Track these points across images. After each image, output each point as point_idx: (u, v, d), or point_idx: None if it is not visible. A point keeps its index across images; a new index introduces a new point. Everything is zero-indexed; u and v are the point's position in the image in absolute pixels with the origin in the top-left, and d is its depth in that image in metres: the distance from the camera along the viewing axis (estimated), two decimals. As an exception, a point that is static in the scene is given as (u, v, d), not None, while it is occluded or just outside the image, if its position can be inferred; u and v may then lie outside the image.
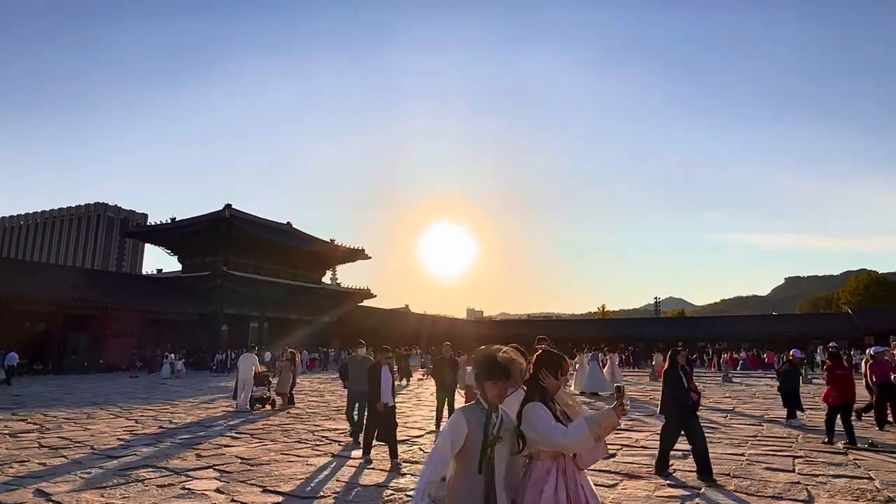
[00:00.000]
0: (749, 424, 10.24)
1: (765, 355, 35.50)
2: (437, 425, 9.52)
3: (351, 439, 8.56)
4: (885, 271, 78.95)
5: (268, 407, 13.32)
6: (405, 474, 6.48)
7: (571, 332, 56.86)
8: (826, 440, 8.32)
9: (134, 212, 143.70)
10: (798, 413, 10.82)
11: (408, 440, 8.73)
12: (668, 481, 6.09)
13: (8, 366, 21.54)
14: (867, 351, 10.41)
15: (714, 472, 6.17)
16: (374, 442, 7.29)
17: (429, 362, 26.10)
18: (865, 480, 6.10)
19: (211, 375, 25.52)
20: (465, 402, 9.13)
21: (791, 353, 11.61)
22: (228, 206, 37.38)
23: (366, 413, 7.74)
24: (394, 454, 6.98)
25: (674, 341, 46.47)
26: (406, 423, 10.69)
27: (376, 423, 7.20)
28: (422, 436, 9.19)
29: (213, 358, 30.56)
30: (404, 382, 22.80)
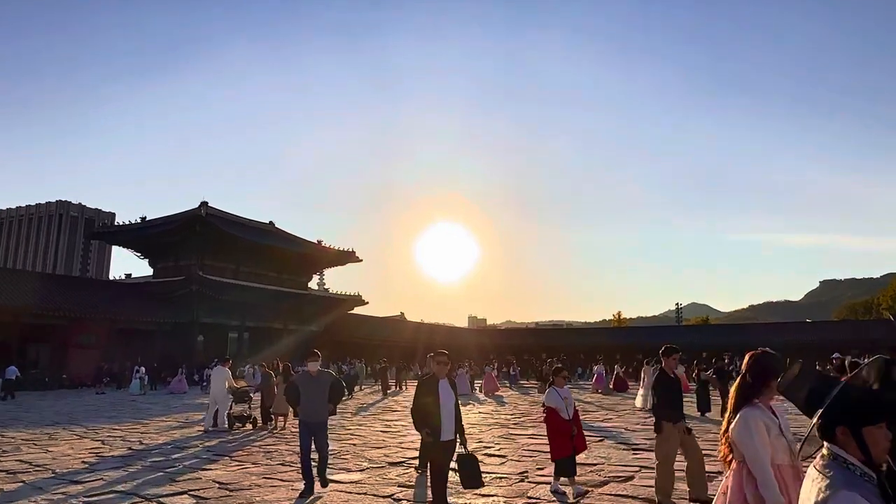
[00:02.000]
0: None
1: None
2: None
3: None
4: (930, 273, 78.81)
5: (249, 427, 13.27)
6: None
7: (584, 342, 56.84)
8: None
9: (100, 211, 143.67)
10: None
11: (404, 462, 8.70)
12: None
13: (5, 380, 22.03)
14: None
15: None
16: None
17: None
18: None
19: (201, 392, 25.37)
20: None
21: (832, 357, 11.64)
22: (204, 203, 37.34)
23: (327, 450, 6.99)
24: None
25: (697, 351, 46.53)
26: (402, 443, 10.66)
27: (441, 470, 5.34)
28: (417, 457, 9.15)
29: (199, 372, 30.11)
30: (380, 396, 23.01)
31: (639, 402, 16.96)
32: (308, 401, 6.90)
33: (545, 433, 7.11)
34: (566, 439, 6.61)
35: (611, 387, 24.25)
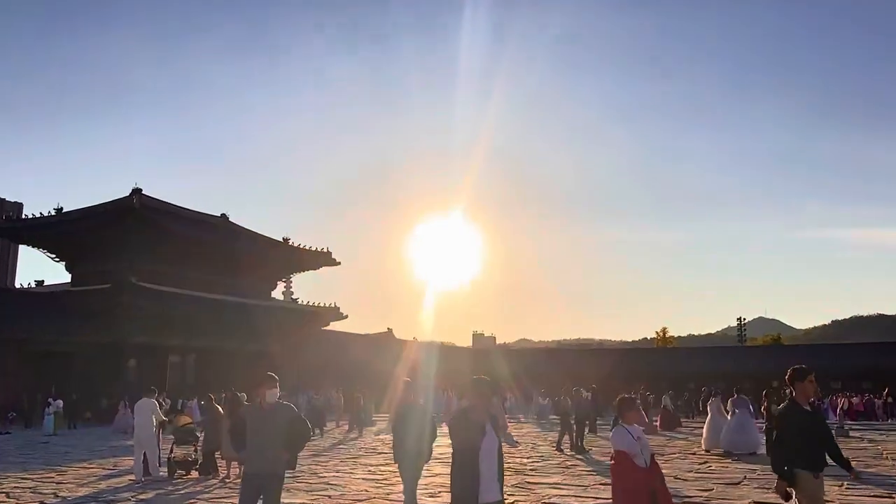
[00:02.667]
0: (876, 497, 10.15)
1: (889, 398, 35.53)
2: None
3: None
4: None
5: (194, 474, 13.22)
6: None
7: (620, 367, 56.83)
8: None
9: (3, 200, 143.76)
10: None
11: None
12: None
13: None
14: None
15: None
16: None
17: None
18: None
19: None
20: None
21: None
22: (138, 191, 37.26)
23: None
24: None
25: (765, 379, 46.61)
26: (391, 494, 10.60)
27: None
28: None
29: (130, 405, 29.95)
30: (354, 435, 23.44)
31: (706, 442, 16.92)
32: (256, 445, 6.08)
33: (573, 482, 7.03)
34: (643, 497, 5.72)
35: (655, 424, 24.23)
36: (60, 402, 26.73)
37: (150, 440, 12.94)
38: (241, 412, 6.74)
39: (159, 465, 13.13)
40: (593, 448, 17.89)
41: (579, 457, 15.85)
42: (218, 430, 13.59)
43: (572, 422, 18.26)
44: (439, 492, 10.50)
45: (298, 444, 6.37)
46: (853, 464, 13.39)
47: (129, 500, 10.57)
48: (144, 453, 12.82)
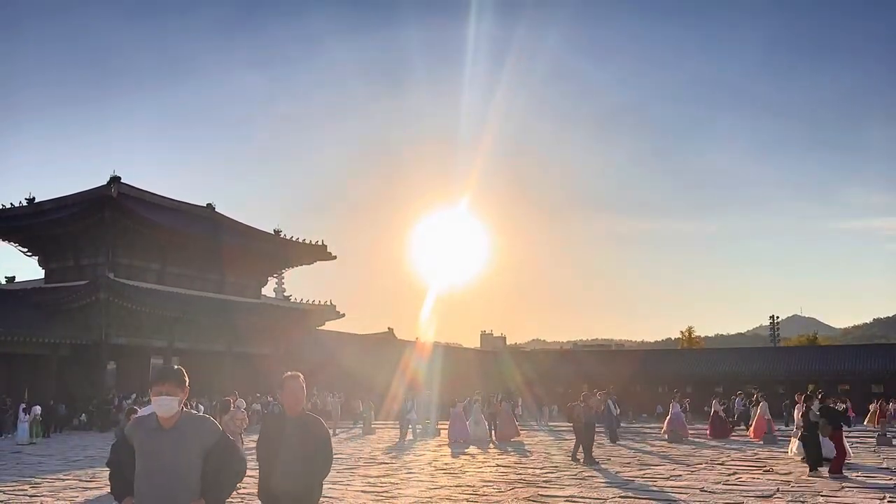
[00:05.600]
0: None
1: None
2: None
3: None
4: None
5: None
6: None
7: (640, 369, 56.80)
8: None
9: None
10: None
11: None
12: None
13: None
14: None
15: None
16: None
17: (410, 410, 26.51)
18: None
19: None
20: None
21: None
22: (116, 179, 37.34)
23: None
24: None
25: (800, 381, 46.28)
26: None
27: None
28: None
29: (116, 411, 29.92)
30: (358, 442, 22.90)
31: (794, 448, 16.57)
32: (147, 489, 3.98)
33: (589, 495, 7.00)
34: None
35: (707, 433, 24.38)
36: (39, 409, 26.77)
37: None
38: (128, 430, 4.30)
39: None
40: (611, 458, 17.85)
41: (596, 467, 15.81)
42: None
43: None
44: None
45: (224, 485, 4.19)
46: (891, 478, 13.27)
47: (108, 514, 10.58)
48: None
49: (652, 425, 32.79)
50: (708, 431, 24.74)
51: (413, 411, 26.78)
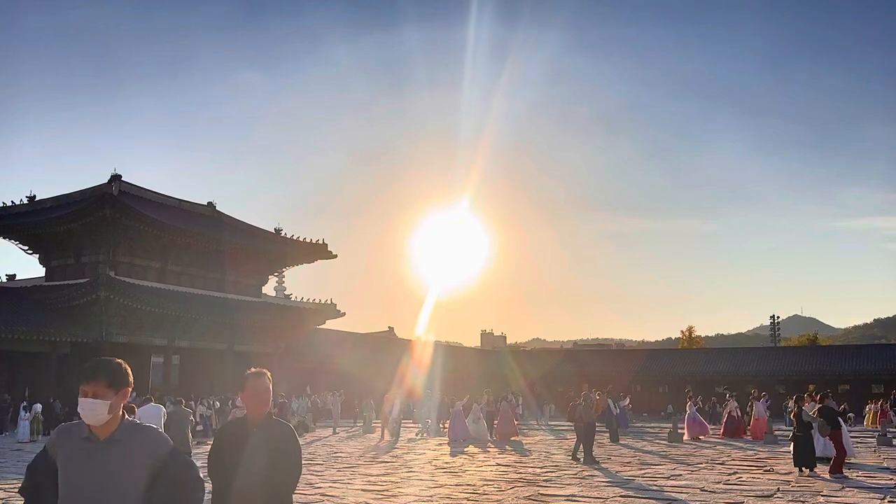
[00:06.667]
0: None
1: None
2: None
3: None
4: None
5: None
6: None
7: (641, 368, 56.83)
8: None
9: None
10: None
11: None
12: None
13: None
14: None
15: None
16: None
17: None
18: None
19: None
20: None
21: None
22: (117, 177, 37.39)
23: None
24: None
25: (801, 382, 46.27)
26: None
27: None
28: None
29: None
30: (359, 440, 22.90)
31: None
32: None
33: (590, 493, 7.03)
34: None
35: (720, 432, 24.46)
36: (39, 406, 26.88)
37: None
38: (48, 448, 3.44)
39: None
40: (611, 457, 17.90)
41: (596, 466, 15.86)
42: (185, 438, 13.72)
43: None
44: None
45: None
46: (891, 477, 13.35)
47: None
48: None
49: (652, 425, 32.82)
50: (721, 431, 24.76)
51: (398, 411, 26.42)
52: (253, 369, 4.27)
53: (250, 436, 4.06)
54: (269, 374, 4.26)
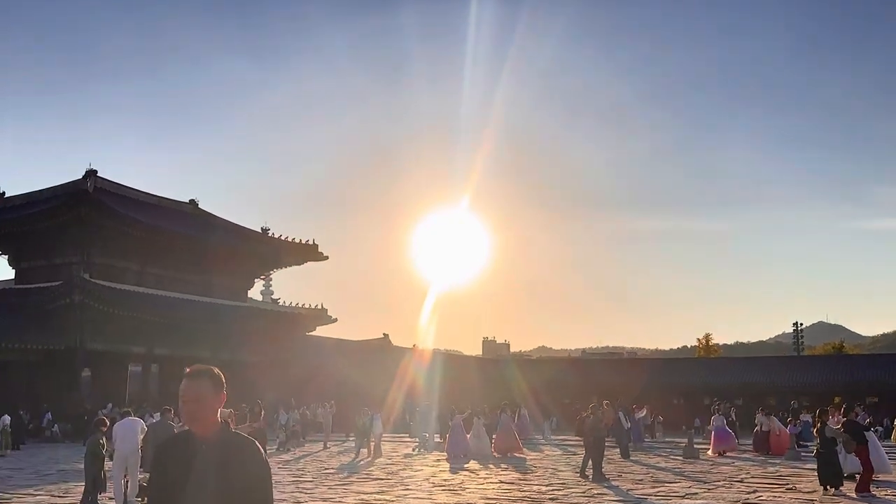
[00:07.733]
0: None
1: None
2: None
3: None
4: None
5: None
6: None
7: (654, 379, 56.68)
8: None
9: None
10: None
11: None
12: None
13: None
14: None
15: None
16: None
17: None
18: None
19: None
20: None
21: None
22: (92, 173, 37.32)
23: None
24: None
25: (826, 394, 46.14)
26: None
27: None
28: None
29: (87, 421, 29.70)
30: (352, 456, 22.84)
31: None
32: None
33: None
34: None
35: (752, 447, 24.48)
36: (8, 419, 26.81)
37: (134, 461, 13.23)
38: None
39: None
40: (622, 474, 17.85)
41: (606, 484, 15.82)
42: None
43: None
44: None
45: None
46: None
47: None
48: (125, 480, 13.03)
49: (667, 440, 32.76)
50: (754, 445, 24.73)
51: (377, 424, 25.58)
52: (188, 368, 3.35)
53: (196, 458, 3.06)
54: (214, 372, 3.32)
